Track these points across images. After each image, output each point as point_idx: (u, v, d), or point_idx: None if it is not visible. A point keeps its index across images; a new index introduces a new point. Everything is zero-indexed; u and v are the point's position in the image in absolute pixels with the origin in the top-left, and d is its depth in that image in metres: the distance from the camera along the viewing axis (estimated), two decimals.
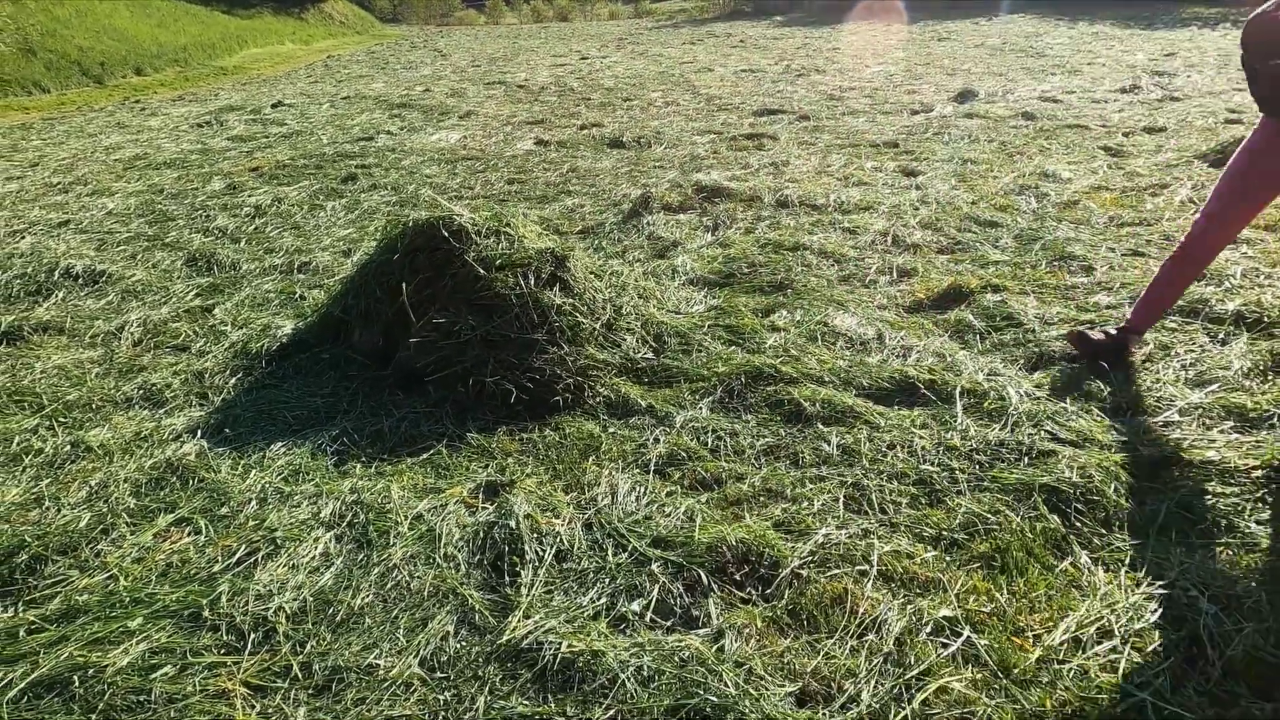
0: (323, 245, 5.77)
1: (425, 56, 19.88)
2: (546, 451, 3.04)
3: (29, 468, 3.16)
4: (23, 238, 6.47)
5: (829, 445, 2.87)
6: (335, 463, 3.06)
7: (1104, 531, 2.36)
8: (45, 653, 2.21)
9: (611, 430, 3.13)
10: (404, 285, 3.70)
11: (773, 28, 24.52)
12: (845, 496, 2.60)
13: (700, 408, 3.21)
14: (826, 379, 3.28)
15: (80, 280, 5.26)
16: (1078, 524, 2.38)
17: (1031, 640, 1.97)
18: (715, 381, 3.34)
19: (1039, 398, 3.02)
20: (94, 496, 2.91)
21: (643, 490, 2.71)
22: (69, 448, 3.27)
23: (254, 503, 2.83)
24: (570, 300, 3.67)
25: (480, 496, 2.78)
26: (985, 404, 3.00)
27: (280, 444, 3.20)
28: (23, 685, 2.12)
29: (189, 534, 2.69)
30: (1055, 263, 4.30)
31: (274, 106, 12.41)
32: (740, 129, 9.01)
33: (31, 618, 2.34)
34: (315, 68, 19.47)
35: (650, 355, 3.65)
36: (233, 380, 3.79)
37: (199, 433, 3.30)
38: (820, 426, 2.99)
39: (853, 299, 4.05)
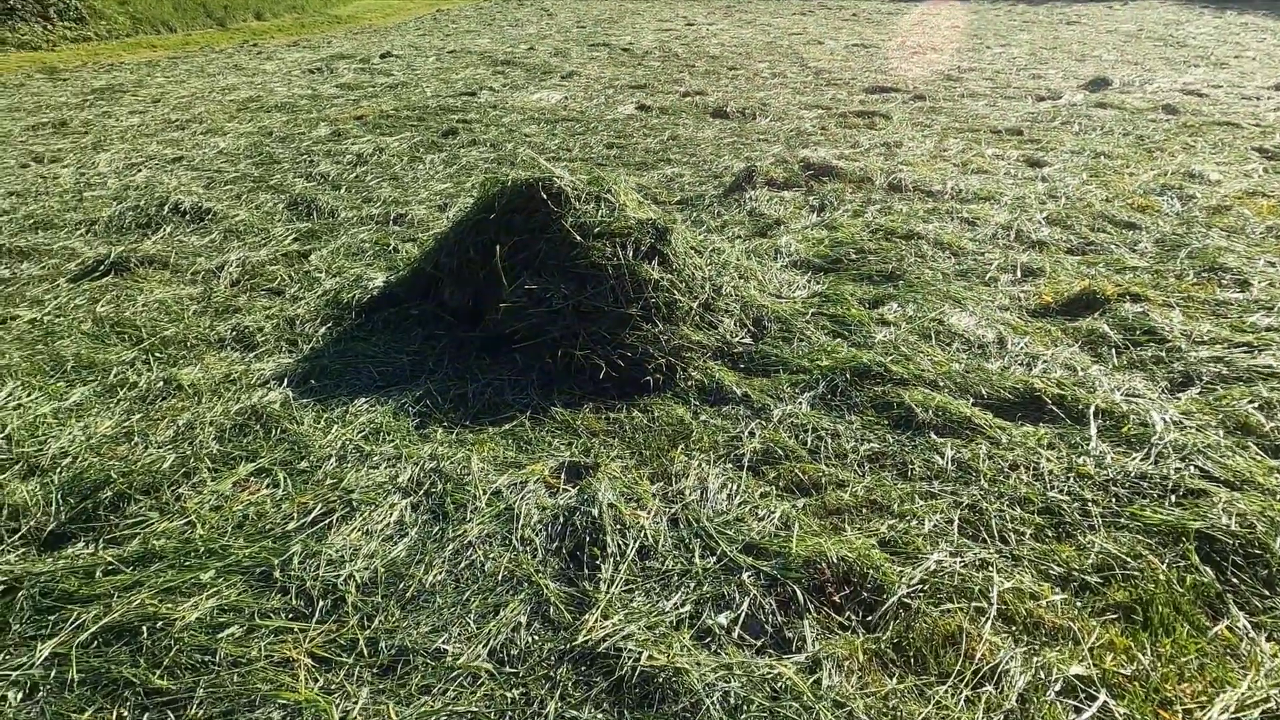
0: (419, 198, 5.70)
1: (532, 15, 19.73)
2: (633, 434, 2.86)
3: (123, 400, 3.15)
4: (139, 170, 6.61)
5: (942, 459, 2.60)
6: (417, 425, 2.95)
7: (1267, 593, 2.04)
8: (119, 597, 2.15)
9: (703, 418, 2.92)
10: (498, 247, 3.54)
11: (887, 3, 23.44)
12: (960, 519, 2.34)
13: (800, 402, 2.97)
14: (940, 383, 2.99)
15: (187, 216, 5.32)
16: (1235, 581, 2.07)
17: (1181, 716, 1.69)
18: (817, 375, 3.09)
19: (1188, 427, 2.67)
20: (180, 437, 2.87)
21: (734, 488, 2.50)
22: (161, 384, 3.25)
23: (334, 459, 2.74)
24: (668, 276, 3.46)
25: (562, 477, 2.61)
26: (1124, 429, 2.67)
27: (364, 399, 3.10)
28: (94, 629, 2.07)
29: (267, 486, 2.62)
30: (1204, 274, 3.86)
31: (382, 57, 12.47)
32: (850, 105, 8.56)
33: (109, 558, 2.30)
34: (424, 21, 19.56)
35: (748, 340, 3.42)
36: (322, 330, 3.72)
37: (285, 380, 3.24)
38: (933, 436, 2.72)
39: (971, 296, 3.72)
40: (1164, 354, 3.16)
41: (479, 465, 2.66)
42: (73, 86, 10.88)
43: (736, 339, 3.41)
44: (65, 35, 15.29)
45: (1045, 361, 3.13)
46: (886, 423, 2.82)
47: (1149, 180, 5.43)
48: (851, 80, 10.22)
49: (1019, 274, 3.97)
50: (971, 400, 2.90)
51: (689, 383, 3.13)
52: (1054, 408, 2.82)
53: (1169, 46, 13.08)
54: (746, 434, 2.80)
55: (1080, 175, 5.66)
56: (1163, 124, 7.13)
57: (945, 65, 11.31)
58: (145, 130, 8.04)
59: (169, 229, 5.14)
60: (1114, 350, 3.24)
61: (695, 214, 5.18)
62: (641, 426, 2.90)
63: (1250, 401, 2.80)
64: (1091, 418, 2.73)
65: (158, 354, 3.50)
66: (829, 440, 2.74)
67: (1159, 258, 4.14)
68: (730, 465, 2.64)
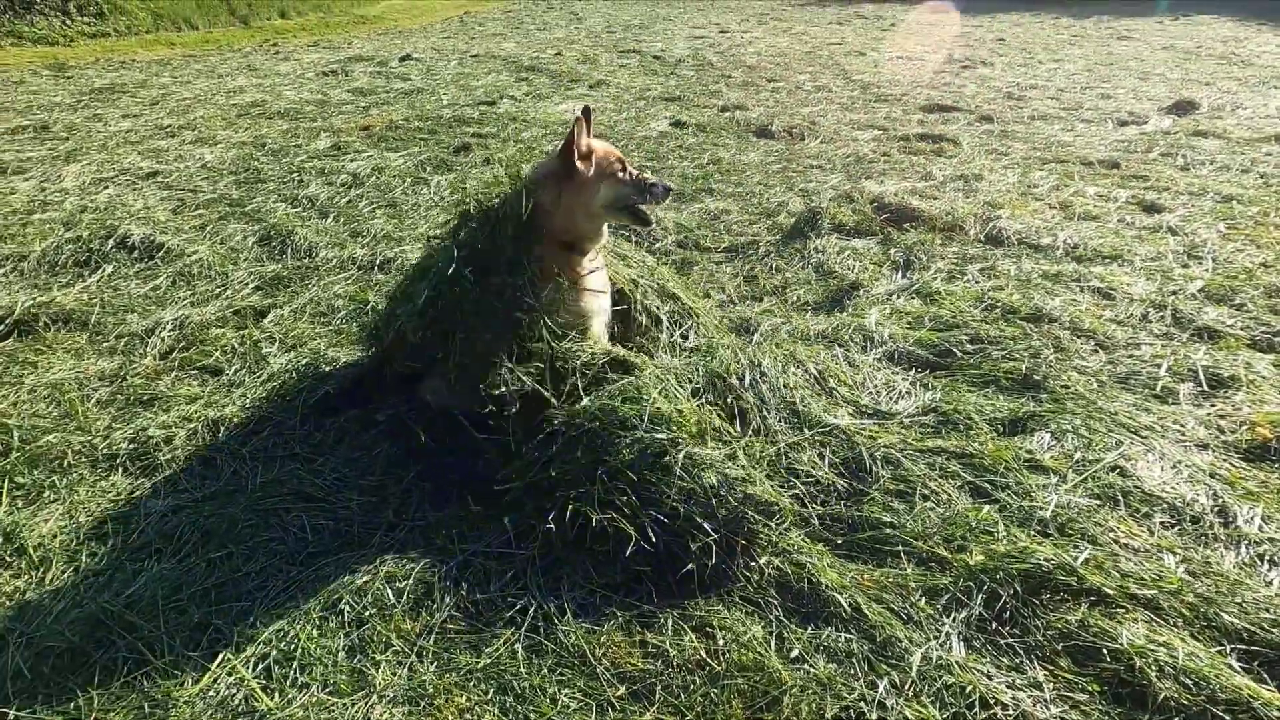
0: (416, 233, 4.58)
1: (561, 19, 18.55)
2: (685, 685, 1.73)
3: None
4: (106, 187, 5.54)
5: None
6: (348, 650, 1.83)
7: None
8: None
9: (794, 653, 1.78)
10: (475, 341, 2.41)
11: (925, 13, 22.03)
12: None
13: (944, 630, 1.82)
14: (1164, 606, 1.83)
15: (135, 253, 4.22)
16: None
17: None
18: (964, 576, 1.94)
19: None
20: None
21: None
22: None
23: None
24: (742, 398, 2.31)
25: None
26: None
27: (277, 586, 1.99)
28: None
29: None
30: None
31: (401, 60, 11.36)
32: (909, 126, 7.35)
33: None
34: (451, 23, 18.45)
35: (842, 491, 2.27)
36: (253, 442, 2.61)
37: (170, 548, 2.13)
38: None
39: (1150, 423, 2.55)
40: None
41: None
42: (74, 85, 9.86)
43: (827, 488, 2.26)
44: (84, 31, 14.33)
45: None
46: (1100, 690, 1.67)
47: None
48: (904, 97, 8.99)
49: (1203, 383, 2.79)
50: (1223, 643, 1.74)
51: (762, 573, 2.00)
52: None
53: (1234, 65, 11.72)
54: (870, 698, 1.66)
55: (1216, 227, 4.44)
56: None
57: (1002, 82, 10.05)
58: (131, 137, 6.97)
59: (109, 269, 4.05)
60: None
61: (748, 266, 4.02)
62: (697, 665, 1.77)
63: None
64: None
65: (15, 480, 2.41)
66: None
67: None
68: None
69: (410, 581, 2.00)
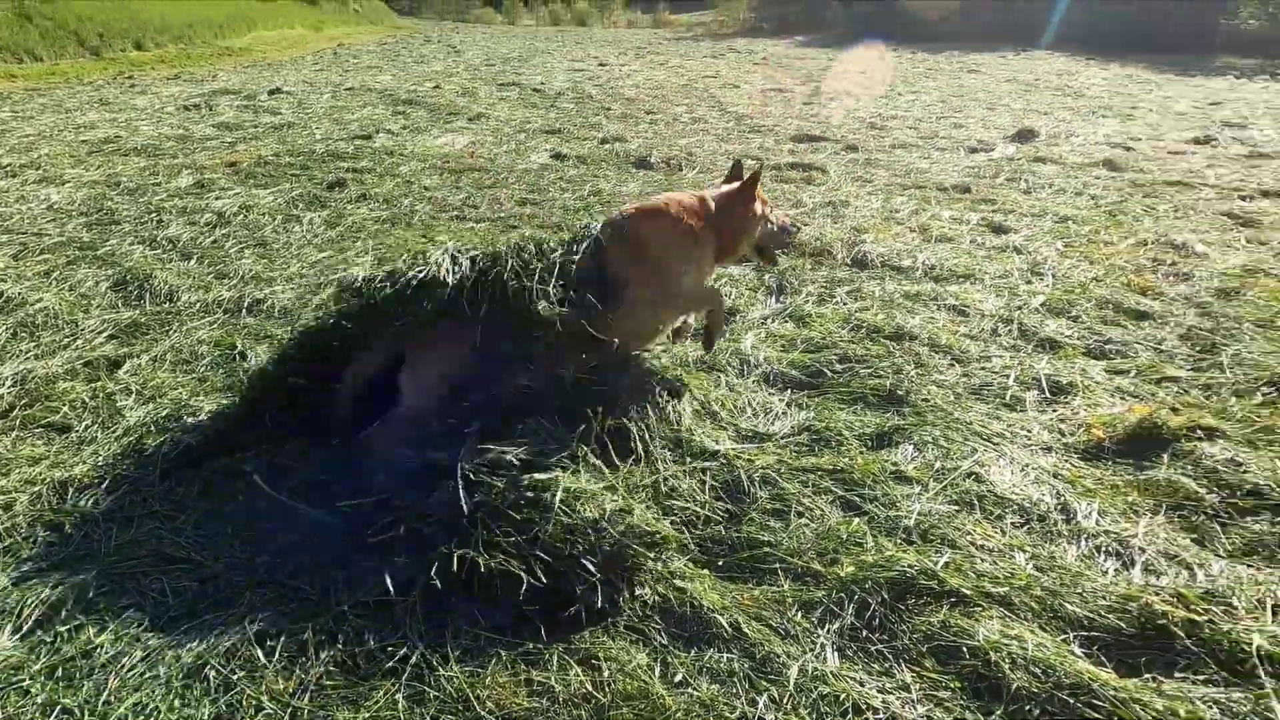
0: (288, 273, 4.42)
1: (438, 51, 18.45)
2: (571, 717, 1.73)
3: None
4: None
5: None
6: (215, 718, 1.73)
7: None
8: None
9: (678, 677, 1.82)
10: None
11: (794, 47, 23.16)
12: None
13: (819, 641, 1.90)
14: (1017, 603, 1.98)
15: None
16: None
17: None
18: (836, 587, 2.03)
19: None
20: None
21: None
22: None
23: None
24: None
25: None
26: None
27: (134, 655, 1.87)
28: None
29: None
30: (1266, 389, 3.01)
31: (271, 93, 10.99)
32: (780, 155, 7.69)
33: None
34: (324, 55, 18.03)
35: (724, 513, 2.34)
36: (108, 501, 2.45)
37: (4, 630, 1.96)
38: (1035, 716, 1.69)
39: (1000, 430, 2.75)
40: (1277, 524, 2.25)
41: None
42: None
43: (708, 513, 2.32)
44: None
45: (1139, 550, 2.16)
46: (961, 686, 1.78)
47: (1131, 253, 4.66)
48: (776, 127, 9.41)
49: (1046, 391, 3.04)
50: (1072, 637, 1.90)
51: (645, 602, 2.03)
52: (1192, 646, 1.84)
53: (1068, 96, 12.89)
54: (750, 712, 1.71)
55: (1054, 245, 4.86)
56: (1111, 183, 6.49)
57: (865, 112, 10.67)
58: None
59: None
60: (1216, 523, 2.31)
61: None
62: (583, 699, 1.77)
63: None
64: (1263, 672, 1.76)
65: None
66: None
67: (1197, 362, 3.29)
68: None
69: (283, 639, 1.91)
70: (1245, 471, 2.46)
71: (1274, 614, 1.93)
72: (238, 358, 3.39)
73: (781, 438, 2.71)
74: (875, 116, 10.31)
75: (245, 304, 3.96)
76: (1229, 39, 19.29)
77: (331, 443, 2.61)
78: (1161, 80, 15.34)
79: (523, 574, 1.97)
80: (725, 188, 3.11)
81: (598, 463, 2.34)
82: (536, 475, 2.14)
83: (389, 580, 2.02)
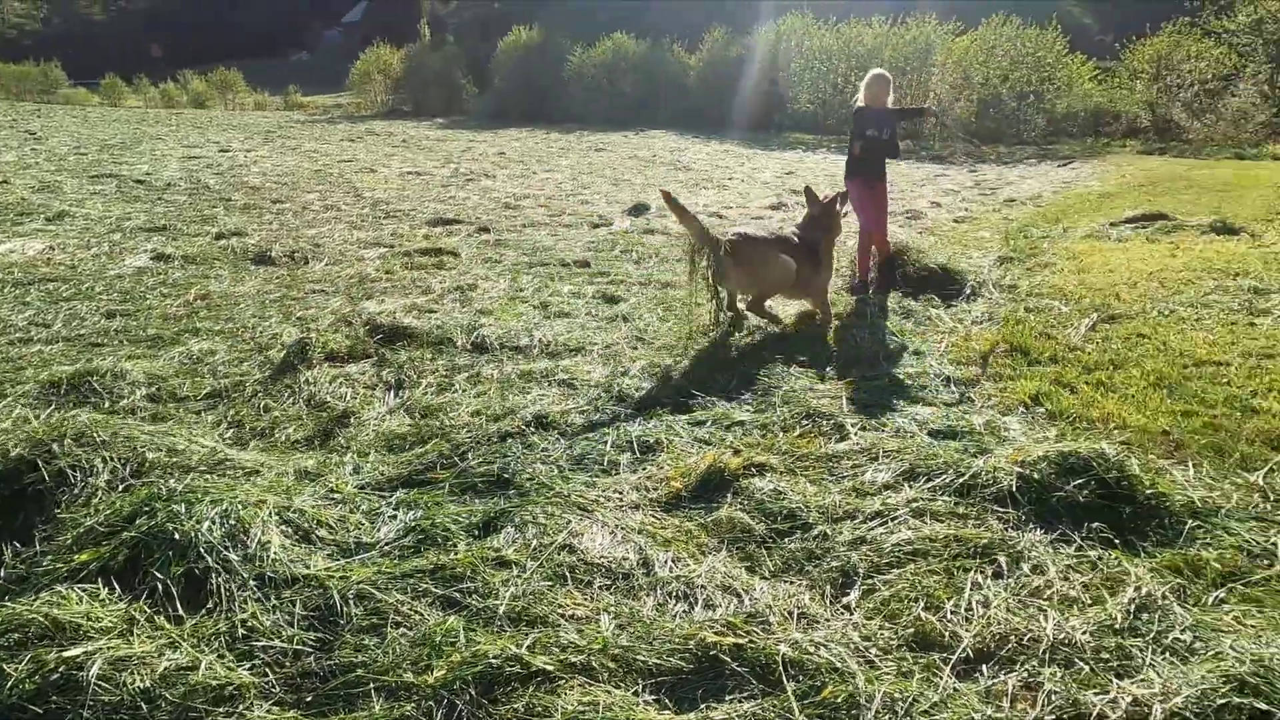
0: None
1: (10, 139, 15.77)
2: None
3: None
4: None
5: None
6: None
7: None
8: None
9: None
10: None
11: (435, 129, 23.61)
12: None
13: None
14: (596, 666, 2.13)
15: None
16: None
17: None
18: (427, 697, 2.02)
19: (883, 667, 2.15)
20: None
21: None
22: None
23: None
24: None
25: None
26: (825, 691, 2.05)
27: None
28: None
29: None
30: (802, 420, 3.64)
31: None
32: (415, 242, 7.74)
33: None
34: None
35: (315, 641, 2.23)
36: None
37: None
38: None
39: (596, 498, 2.98)
40: (812, 545, 2.71)
41: None
42: None
43: (296, 646, 2.19)
44: None
45: (702, 588, 2.46)
46: None
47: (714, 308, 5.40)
48: (412, 211, 9.48)
49: (637, 452, 3.36)
50: (641, 685, 2.08)
51: None
52: (740, 670, 2.13)
53: (678, 170, 14.75)
54: None
55: (656, 310, 5.47)
56: None
57: (501, 192, 11.20)
58: None
59: None
60: (764, 549, 2.71)
61: (232, 411, 3.78)
62: None
63: (915, 598, 2.42)
64: (785, 679, 2.08)
65: None
66: None
67: (758, 405, 3.88)
68: None
69: None
70: (784, 499, 2.93)
71: (798, 620, 2.31)
72: None
73: (386, 544, 2.67)
74: (510, 196, 10.85)
75: None
76: (791, 118, 23.78)
77: None
78: (750, 154, 18.17)
79: None
80: None
81: (161, 620, 2.10)
82: (67, 653, 1.86)
83: None
